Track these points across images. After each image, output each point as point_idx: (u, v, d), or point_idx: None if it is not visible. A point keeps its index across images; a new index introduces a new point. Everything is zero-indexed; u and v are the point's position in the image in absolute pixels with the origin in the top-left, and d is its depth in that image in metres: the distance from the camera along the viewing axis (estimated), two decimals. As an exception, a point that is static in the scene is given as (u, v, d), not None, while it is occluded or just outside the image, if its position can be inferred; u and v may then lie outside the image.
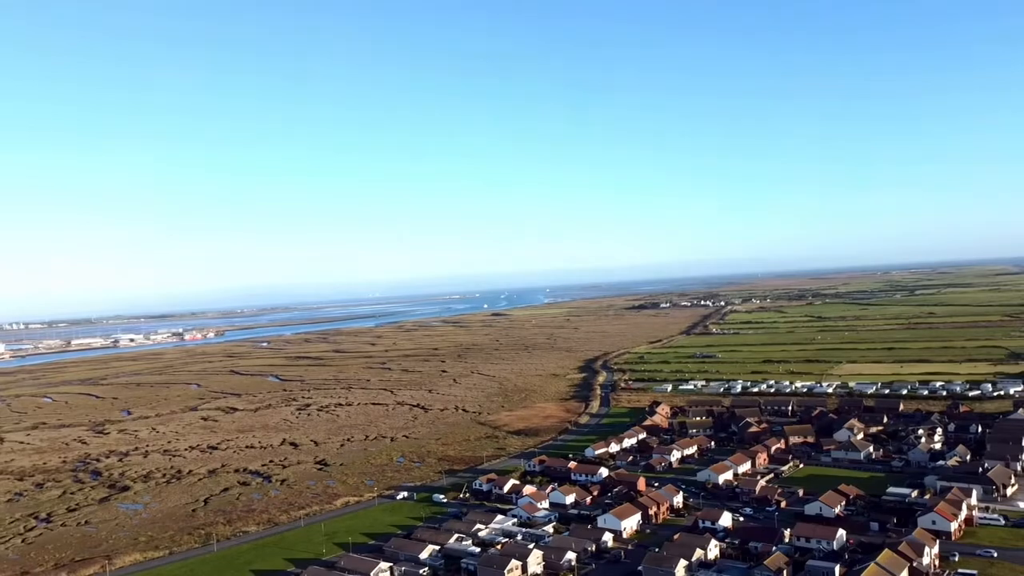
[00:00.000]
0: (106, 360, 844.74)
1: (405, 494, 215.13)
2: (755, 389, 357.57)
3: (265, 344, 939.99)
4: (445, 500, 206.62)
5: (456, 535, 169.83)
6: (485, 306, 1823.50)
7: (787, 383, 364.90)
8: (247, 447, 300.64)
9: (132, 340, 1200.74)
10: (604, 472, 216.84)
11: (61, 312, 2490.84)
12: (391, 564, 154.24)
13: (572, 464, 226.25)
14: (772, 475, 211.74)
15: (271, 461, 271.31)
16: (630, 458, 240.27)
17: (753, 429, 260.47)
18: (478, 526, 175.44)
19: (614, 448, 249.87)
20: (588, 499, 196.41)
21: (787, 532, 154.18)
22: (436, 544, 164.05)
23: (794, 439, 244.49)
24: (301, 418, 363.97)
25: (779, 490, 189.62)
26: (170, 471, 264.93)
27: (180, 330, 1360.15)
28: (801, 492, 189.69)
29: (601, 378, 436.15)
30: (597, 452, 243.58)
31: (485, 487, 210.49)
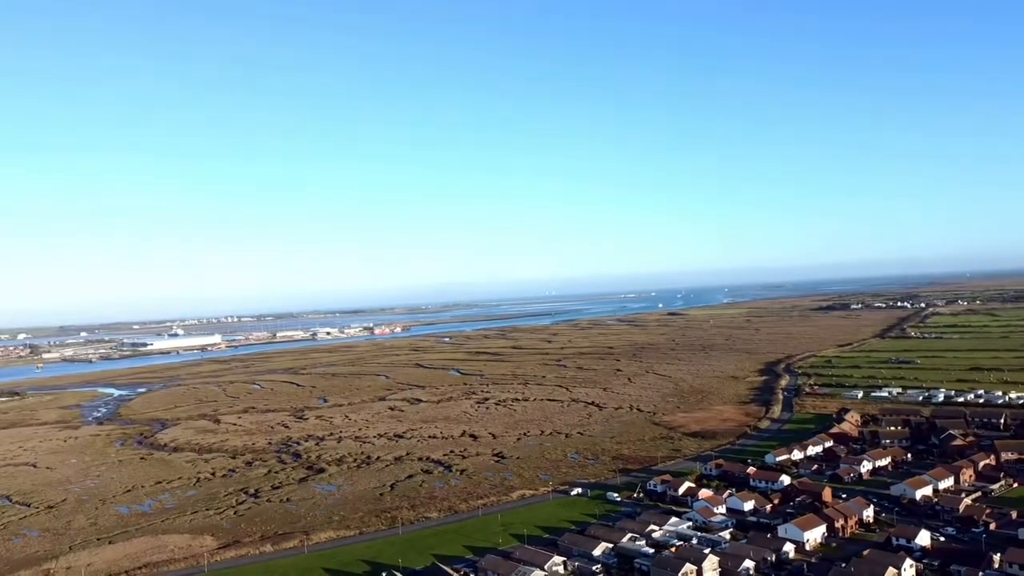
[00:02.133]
0: (305, 352, 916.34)
1: (579, 490, 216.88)
2: (960, 399, 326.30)
3: (447, 339, 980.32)
4: (619, 499, 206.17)
5: (629, 534, 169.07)
6: (660, 305, 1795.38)
7: (999, 393, 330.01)
8: (430, 437, 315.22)
9: (328, 334, 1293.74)
10: (786, 480, 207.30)
11: (268, 307, 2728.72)
12: (564, 558, 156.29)
13: (751, 470, 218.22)
14: (979, 493, 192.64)
15: (452, 451, 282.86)
16: (815, 467, 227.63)
17: (958, 442, 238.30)
18: (652, 527, 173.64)
19: (797, 455, 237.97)
20: (768, 507, 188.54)
21: (996, 557, 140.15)
22: (609, 542, 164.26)
23: (1007, 455, 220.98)
24: (480, 411, 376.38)
25: (988, 510, 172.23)
26: (360, 456, 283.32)
27: (371, 325, 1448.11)
28: (1015, 514, 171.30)
29: (784, 382, 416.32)
30: (778, 459, 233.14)
31: (659, 488, 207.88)
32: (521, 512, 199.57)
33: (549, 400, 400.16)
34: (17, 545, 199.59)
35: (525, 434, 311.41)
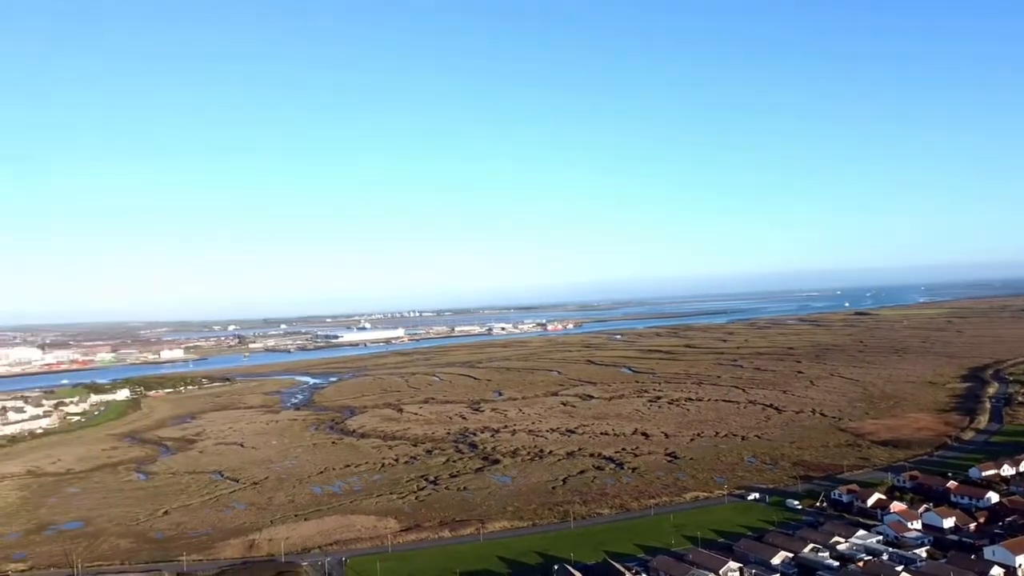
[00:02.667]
0: (481, 346, 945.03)
1: (756, 496, 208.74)
2: None
3: (619, 337, 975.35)
4: (799, 507, 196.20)
5: (811, 545, 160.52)
6: (847, 304, 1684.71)
7: None
8: (602, 433, 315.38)
9: (503, 329, 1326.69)
10: (994, 497, 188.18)
11: (447, 302, 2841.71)
12: (740, 565, 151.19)
13: (952, 484, 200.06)
14: None
15: (623, 449, 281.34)
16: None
17: None
18: (836, 538, 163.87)
19: (1008, 471, 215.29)
20: (972, 525, 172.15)
21: None
22: (789, 551, 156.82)
23: None
24: (652, 410, 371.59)
25: None
26: (534, 449, 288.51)
27: (543, 321, 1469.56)
28: None
29: (991, 389, 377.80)
30: (985, 473, 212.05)
31: (845, 498, 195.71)
32: (694, 514, 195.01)
33: (724, 401, 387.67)
34: (228, 516, 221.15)
35: (699, 435, 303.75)
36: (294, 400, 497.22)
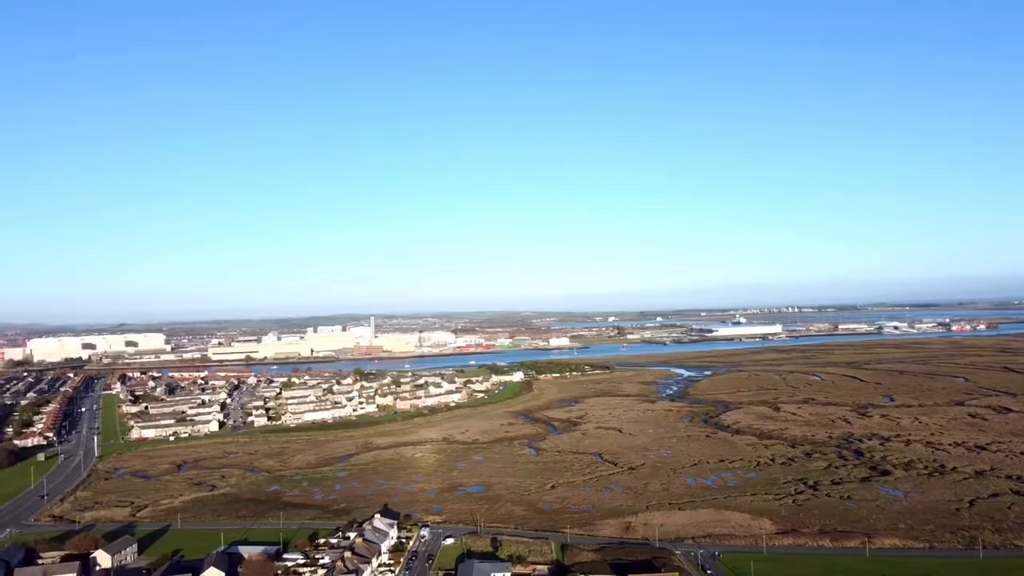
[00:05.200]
0: (869, 346, 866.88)
1: None
2: None
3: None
4: None
5: None
6: None
7: None
8: (1022, 453, 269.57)
9: (896, 328, 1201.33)
10: None
11: (830, 297, 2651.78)
12: None
13: None
14: None
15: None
16: None
17: None
18: None
19: None
20: None
21: None
22: None
23: None
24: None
25: None
26: (932, 464, 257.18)
27: (946, 320, 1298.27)
28: None
29: None
30: None
31: None
32: None
33: None
34: (606, 496, 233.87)
35: None
36: (669, 391, 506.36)
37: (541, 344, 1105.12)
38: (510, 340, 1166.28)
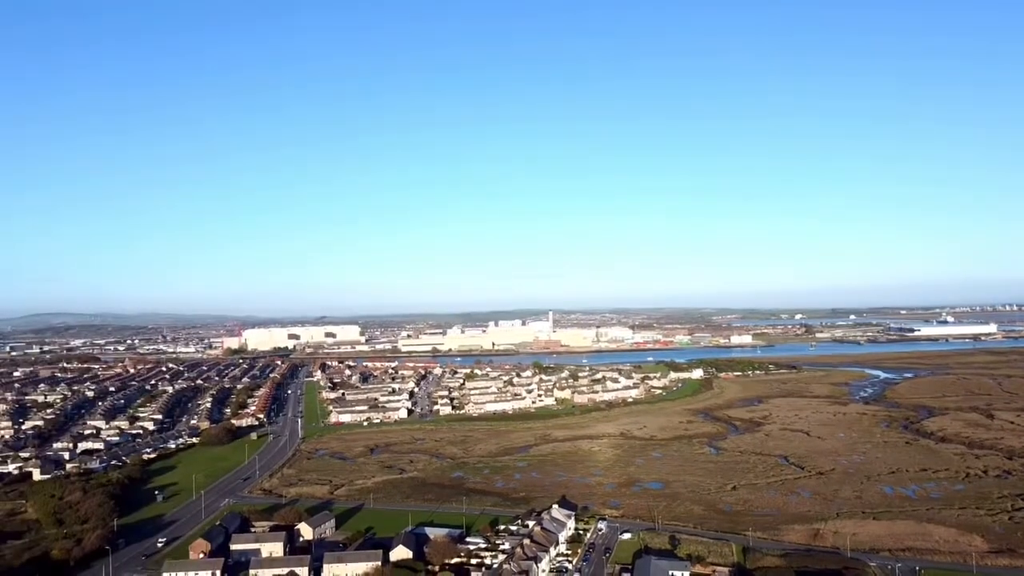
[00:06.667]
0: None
1: None
2: None
3: None
4: None
5: None
6: None
7: None
8: None
9: None
10: None
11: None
12: None
13: None
14: None
15: None
16: None
17: None
18: None
19: None
20: None
21: None
22: None
23: None
24: None
25: None
26: None
27: None
28: None
29: None
30: None
31: None
32: None
33: None
34: (792, 501, 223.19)
35: None
36: (863, 393, 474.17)
37: (722, 341, 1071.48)
38: (689, 337, 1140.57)
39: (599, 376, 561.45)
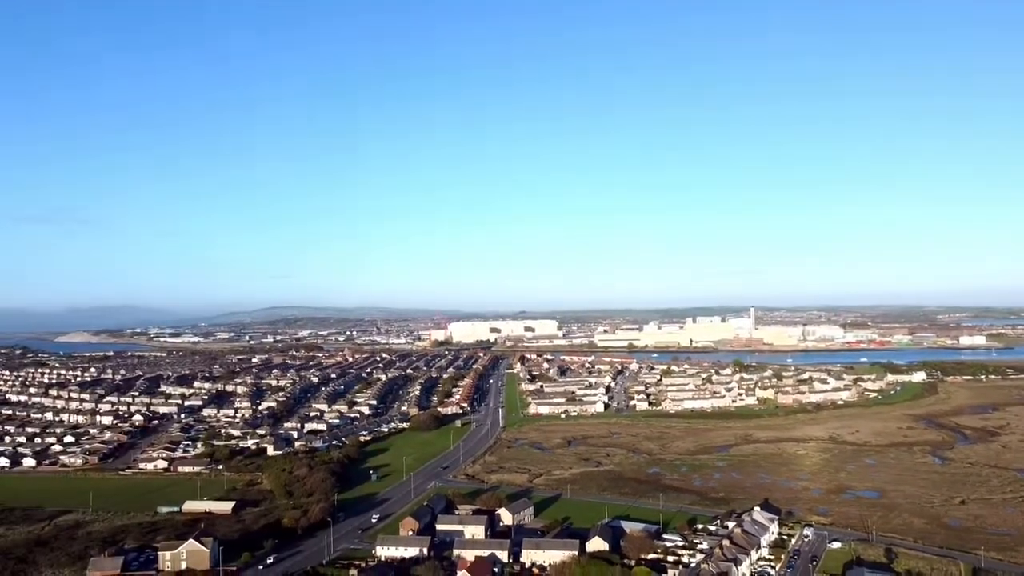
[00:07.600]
0: None
1: None
2: None
3: None
4: None
5: None
6: None
7: None
8: None
9: None
10: None
11: None
12: None
13: None
14: None
15: None
16: None
17: None
18: None
19: None
20: None
21: None
22: None
23: None
24: None
25: None
26: None
27: None
28: None
29: None
30: None
31: None
32: None
33: None
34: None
35: None
36: None
37: (948, 342, 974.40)
38: (909, 337, 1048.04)
39: (806, 376, 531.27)
